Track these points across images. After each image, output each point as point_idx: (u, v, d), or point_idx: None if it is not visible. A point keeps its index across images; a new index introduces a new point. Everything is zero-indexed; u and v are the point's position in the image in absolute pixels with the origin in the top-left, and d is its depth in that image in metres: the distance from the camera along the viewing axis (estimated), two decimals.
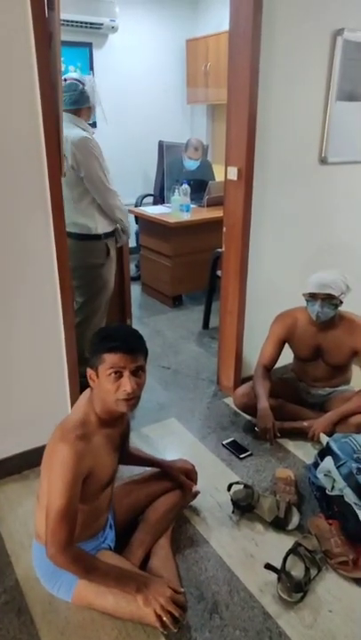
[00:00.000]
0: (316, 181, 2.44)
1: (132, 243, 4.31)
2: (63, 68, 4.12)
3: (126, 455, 1.65)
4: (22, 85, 1.54)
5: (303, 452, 2.15)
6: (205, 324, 3.40)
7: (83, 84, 2.17)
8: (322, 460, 1.85)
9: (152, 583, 1.33)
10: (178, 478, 1.69)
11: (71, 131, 2.16)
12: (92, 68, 4.26)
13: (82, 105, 2.22)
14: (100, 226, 2.32)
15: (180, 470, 1.72)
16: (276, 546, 1.65)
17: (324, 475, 1.78)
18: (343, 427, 2.07)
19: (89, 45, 4.20)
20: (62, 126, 1.64)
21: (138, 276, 4.20)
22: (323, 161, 2.41)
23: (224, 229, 2.36)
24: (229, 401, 2.47)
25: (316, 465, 1.89)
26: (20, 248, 1.71)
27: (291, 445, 2.19)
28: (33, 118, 1.58)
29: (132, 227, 4.15)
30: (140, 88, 4.60)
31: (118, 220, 2.36)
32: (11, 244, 1.69)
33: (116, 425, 1.41)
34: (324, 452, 1.88)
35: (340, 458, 1.78)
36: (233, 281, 2.39)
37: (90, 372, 1.31)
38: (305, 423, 2.19)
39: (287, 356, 2.29)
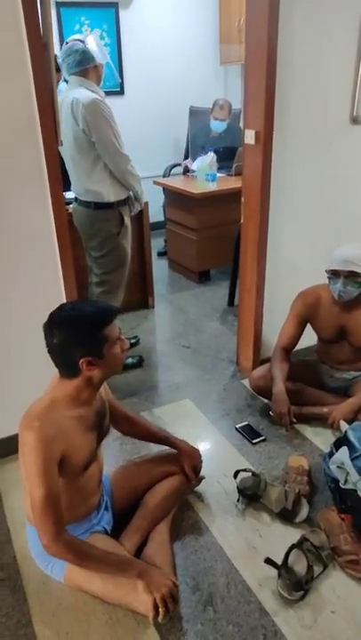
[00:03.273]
0: (346, 144, 2.20)
1: (159, 216, 4.22)
2: (90, 32, 3.98)
3: (138, 429, 1.62)
4: (8, 45, 1.42)
5: (322, 439, 2.03)
6: (230, 301, 3.26)
7: (83, 42, 2.04)
8: (338, 450, 1.73)
9: (153, 571, 1.32)
10: (185, 464, 1.63)
11: (80, 93, 2.05)
12: (118, 31, 4.07)
13: (87, 65, 2.08)
14: (113, 193, 2.21)
15: (187, 454, 1.65)
16: (282, 538, 1.57)
17: (338, 467, 1.66)
18: None
19: (115, 6, 4.00)
20: (56, 90, 1.54)
21: (166, 252, 4.09)
22: (355, 120, 2.16)
23: (242, 199, 2.20)
24: (247, 382, 2.36)
25: (331, 454, 1.76)
26: (16, 222, 1.65)
27: (309, 432, 2.07)
28: (23, 81, 1.48)
29: (159, 201, 4.03)
30: (171, 50, 4.34)
31: (130, 186, 2.24)
32: (6, 218, 1.63)
33: (90, 403, 1.34)
34: (341, 441, 1.76)
35: (357, 449, 1.64)
36: (251, 256, 2.25)
37: (87, 359, 1.22)
38: (325, 409, 2.05)
39: (312, 337, 2.14)
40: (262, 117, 1.93)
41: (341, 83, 2.09)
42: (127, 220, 2.32)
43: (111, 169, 2.16)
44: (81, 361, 1.22)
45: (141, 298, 3.21)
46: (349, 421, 1.91)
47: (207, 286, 3.60)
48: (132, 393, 2.35)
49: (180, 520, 1.64)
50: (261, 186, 2.05)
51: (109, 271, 2.36)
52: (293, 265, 2.31)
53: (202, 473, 1.75)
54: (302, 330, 2.11)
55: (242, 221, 2.25)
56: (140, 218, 2.92)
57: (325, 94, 2.06)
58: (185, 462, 1.63)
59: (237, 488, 1.71)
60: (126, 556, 1.38)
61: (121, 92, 4.27)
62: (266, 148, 1.98)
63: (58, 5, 3.80)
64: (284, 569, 1.42)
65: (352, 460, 1.63)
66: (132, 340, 2.74)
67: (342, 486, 1.63)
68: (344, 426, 1.88)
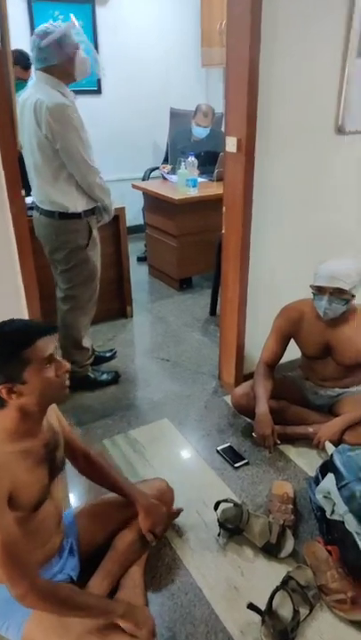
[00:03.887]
0: (330, 154, 2.12)
1: (139, 220, 4.08)
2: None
3: (95, 472, 1.45)
4: None
5: (306, 461, 1.93)
6: (212, 311, 3.15)
7: (46, 35, 1.82)
8: (324, 476, 1.63)
9: (135, 609, 1.22)
10: (141, 524, 1.42)
11: (46, 94, 1.85)
12: (94, 28, 3.92)
13: (50, 62, 1.87)
14: (80, 203, 2.03)
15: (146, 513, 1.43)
16: (266, 576, 1.46)
17: (324, 496, 1.56)
18: (353, 434, 1.84)
19: (91, 2, 3.84)
20: (14, 89, 1.39)
21: (146, 257, 3.96)
22: (339, 130, 2.08)
23: (224, 209, 2.09)
24: (230, 399, 2.25)
25: (317, 479, 1.67)
26: None
27: (293, 453, 1.97)
28: None
29: (139, 203, 3.90)
30: (151, 50, 4.21)
31: (99, 199, 2.07)
32: None
33: (35, 435, 1.19)
34: (327, 466, 1.66)
35: (344, 477, 1.55)
36: (233, 267, 2.14)
37: (5, 386, 1.07)
38: (310, 429, 1.96)
39: (295, 351, 2.04)
40: (244, 124, 1.82)
41: (326, 92, 2.00)
42: (95, 232, 2.14)
43: (78, 180, 1.98)
44: (1, 386, 1.07)
45: (119, 307, 3.07)
46: (335, 442, 1.83)
47: (188, 294, 3.49)
48: (105, 413, 2.21)
49: (156, 559, 1.52)
50: (243, 195, 1.94)
51: (76, 285, 2.17)
52: (277, 276, 2.22)
53: (180, 503, 1.64)
54: (285, 345, 2.01)
55: (223, 231, 2.15)
56: (116, 222, 2.78)
57: (310, 103, 1.96)
58: (141, 522, 1.41)
59: (218, 521, 1.59)
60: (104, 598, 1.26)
61: (98, 92, 4.12)
62: (248, 157, 1.88)
63: None
64: (267, 615, 1.31)
65: (339, 488, 1.53)
66: (108, 354, 2.60)
67: (329, 517, 1.53)
68: (330, 447, 1.79)
